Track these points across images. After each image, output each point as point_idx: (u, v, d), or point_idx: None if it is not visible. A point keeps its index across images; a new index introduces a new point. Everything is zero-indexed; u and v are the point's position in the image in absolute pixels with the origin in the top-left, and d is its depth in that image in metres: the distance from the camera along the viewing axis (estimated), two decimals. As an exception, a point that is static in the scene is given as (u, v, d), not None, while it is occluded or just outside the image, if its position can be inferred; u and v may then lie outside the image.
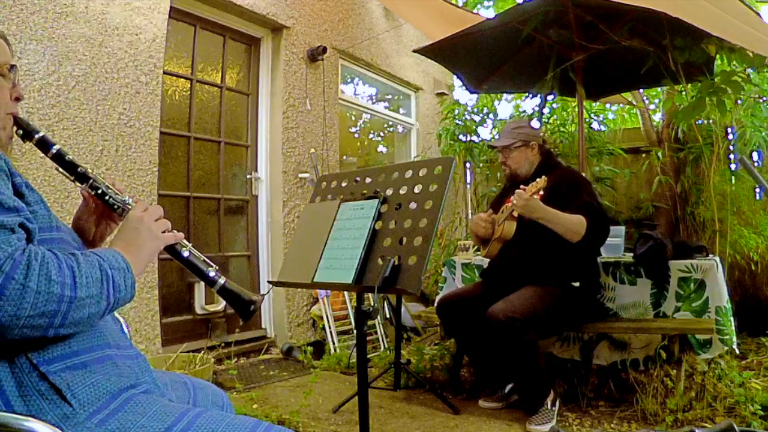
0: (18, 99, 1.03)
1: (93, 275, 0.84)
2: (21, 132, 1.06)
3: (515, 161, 2.77)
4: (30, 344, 0.82)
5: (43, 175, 2.68)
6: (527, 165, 2.76)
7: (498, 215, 2.75)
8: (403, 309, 3.73)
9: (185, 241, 1.10)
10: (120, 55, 3.06)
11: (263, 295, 1.18)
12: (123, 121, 3.08)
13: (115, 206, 1.10)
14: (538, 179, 2.41)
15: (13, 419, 0.76)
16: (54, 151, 1.09)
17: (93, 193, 1.10)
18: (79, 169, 1.09)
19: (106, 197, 1.10)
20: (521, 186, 2.49)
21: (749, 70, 3.21)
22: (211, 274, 1.10)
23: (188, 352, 3.00)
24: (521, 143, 2.75)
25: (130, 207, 1.09)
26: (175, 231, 1.08)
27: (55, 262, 0.80)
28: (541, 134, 2.89)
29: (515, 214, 2.56)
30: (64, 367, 0.84)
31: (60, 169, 1.10)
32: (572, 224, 2.45)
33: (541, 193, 2.41)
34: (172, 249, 1.08)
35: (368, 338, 3.95)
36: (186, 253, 1.09)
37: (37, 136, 1.07)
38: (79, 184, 1.11)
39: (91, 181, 1.10)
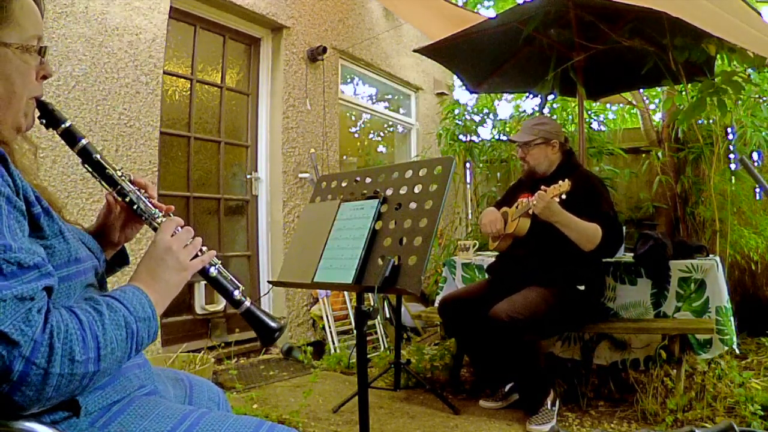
0: (45, 77, 0.90)
1: (118, 337, 0.78)
2: (45, 120, 0.95)
3: (534, 158, 2.72)
4: None
5: (49, 178, 2.68)
6: (546, 163, 2.72)
7: (512, 210, 2.70)
8: (403, 309, 3.72)
9: (215, 259, 1.02)
10: (120, 55, 3.06)
11: (283, 318, 1.11)
12: (123, 121, 3.08)
13: (143, 218, 1.02)
14: (561, 182, 2.36)
15: (13, 419, 0.76)
16: (81, 145, 0.98)
17: (120, 199, 1.02)
18: (106, 172, 1.00)
19: (135, 207, 1.01)
20: (542, 186, 2.43)
21: (749, 70, 3.21)
22: (237, 295, 1.02)
23: (188, 352, 3.00)
24: (542, 141, 2.69)
25: (157, 223, 1.00)
26: (205, 248, 1.00)
27: (78, 335, 0.73)
28: (563, 132, 2.83)
29: (531, 212, 2.52)
30: (80, 397, 0.81)
31: (86, 166, 1.00)
32: (588, 233, 2.43)
33: (564, 197, 2.37)
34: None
35: (368, 338, 3.95)
36: (213, 272, 1.01)
37: (63, 126, 0.96)
38: (106, 186, 1.01)
39: (119, 187, 1.01)
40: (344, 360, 3.49)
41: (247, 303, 1.03)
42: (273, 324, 1.04)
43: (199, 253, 0.99)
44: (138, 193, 1.02)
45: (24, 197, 0.78)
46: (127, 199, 1.01)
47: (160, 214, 1.02)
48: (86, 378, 0.74)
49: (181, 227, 0.99)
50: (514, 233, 2.63)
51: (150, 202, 1.03)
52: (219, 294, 1.03)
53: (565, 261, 2.54)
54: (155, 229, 0.99)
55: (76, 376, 0.72)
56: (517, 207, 2.66)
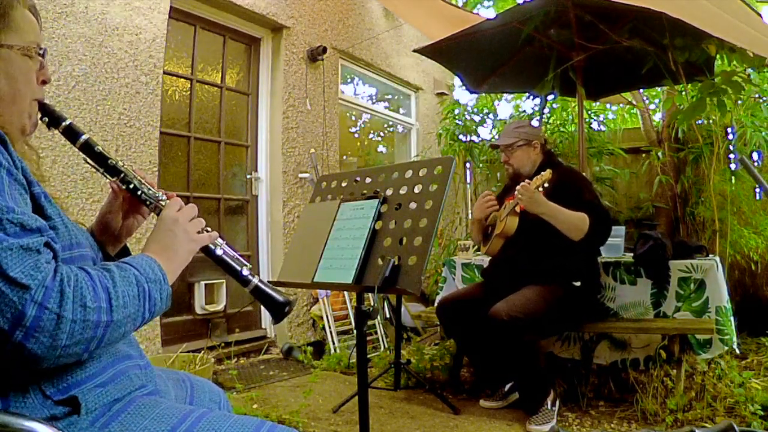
0: (45, 82, 0.95)
1: (130, 293, 0.81)
2: (47, 120, 0.98)
3: (518, 160, 2.79)
4: (44, 376, 0.79)
5: (49, 178, 2.67)
6: (529, 164, 2.78)
7: (500, 211, 2.74)
8: (403, 309, 3.73)
9: (219, 239, 1.05)
10: (120, 55, 3.06)
11: (293, 295, 1.13)
12: (123, 121, 3.08)
13: (147, 202, 1.04)
14: (542, 173, 2.42)
15: (14, 419, 0.75)
16: (82, 140, 1.01)
17: (124, 187, 1.04)
18: (109, 162, 1.03)
19: (138, 192, 1.03)
20: (526, 180, 2.49)
21: (749, 70, 3.21)
22: (245, 272, 1.05)
23: (188, 352, 3.00)
24: (523, 142, 2.76)
25: (162, 204, 1.03)
26: (209, 228, 1.04)
27: (89, 284, 0.75)
28: (543, 133, 2.90)
29: (518, 209, 2.56)
30: (80, 393, 0.81)
31: (88, 161, 1.03)
32: (575, 221, 2.45)
33: (546, 185, 2.41)
34: (206, 248, 1.03)
35: (368, 338, 3.95)
36: (219, 252, 1.04)
37: (64, 124, 1.00)
38: (109, 177, 1.04)
39: (122, 174, 1.03)
40: (344, 360, 3.49)
41: (256, 280, 1.05)
42: (282, 299, 1.06)
43: (205, 231, 1.02)
44: (140, 179, 1.05)
45: (23, 176, 0.80)
46: (131, 186, 1.04)
47: (164, 197, 1.05)
48: (100, 328, 0.75)
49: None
50: (503, 233, 2.65)
51: (152, 188, 1.06)
52: (227, 273, 1.05)
53: (554, 253, 2.56)
54: (159, 212, 1.02)
55: (89, 323, 0.73)
56: (504, 208, 2.71)
